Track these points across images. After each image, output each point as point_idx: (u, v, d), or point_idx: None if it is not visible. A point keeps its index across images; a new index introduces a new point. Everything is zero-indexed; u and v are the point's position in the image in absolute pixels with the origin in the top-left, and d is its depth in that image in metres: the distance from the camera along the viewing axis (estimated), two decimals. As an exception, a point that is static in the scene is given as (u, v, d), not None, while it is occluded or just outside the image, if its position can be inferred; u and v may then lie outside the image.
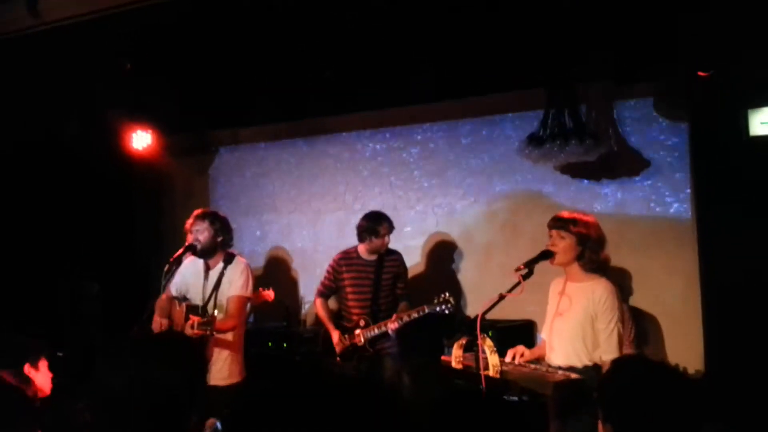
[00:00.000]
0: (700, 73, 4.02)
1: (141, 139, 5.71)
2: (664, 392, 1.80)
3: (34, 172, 5.75)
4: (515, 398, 3.01)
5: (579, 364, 3.25)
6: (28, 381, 2.77)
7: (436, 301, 4.46)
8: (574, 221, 3.32)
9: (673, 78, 4.44)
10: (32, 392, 2.73)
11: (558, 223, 3.35)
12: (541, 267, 3.35)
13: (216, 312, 3.95)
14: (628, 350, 3.82)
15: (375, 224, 4.71)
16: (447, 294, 4.46)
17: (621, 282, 4.62)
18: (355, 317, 4.77)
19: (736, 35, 3.82)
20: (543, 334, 3.56)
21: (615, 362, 2.25)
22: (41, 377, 2.87)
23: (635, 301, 4.63)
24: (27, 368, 2.81)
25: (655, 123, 4.83)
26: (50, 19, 4.11)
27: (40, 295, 5.78)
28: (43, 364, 2.89)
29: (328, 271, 4.96)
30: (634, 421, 1.77)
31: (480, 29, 4.18)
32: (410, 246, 5.58)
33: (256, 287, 4.50)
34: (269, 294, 5.08)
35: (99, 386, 1.47)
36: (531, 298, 3.44)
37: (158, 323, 4.17)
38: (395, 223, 4.64)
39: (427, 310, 4.48)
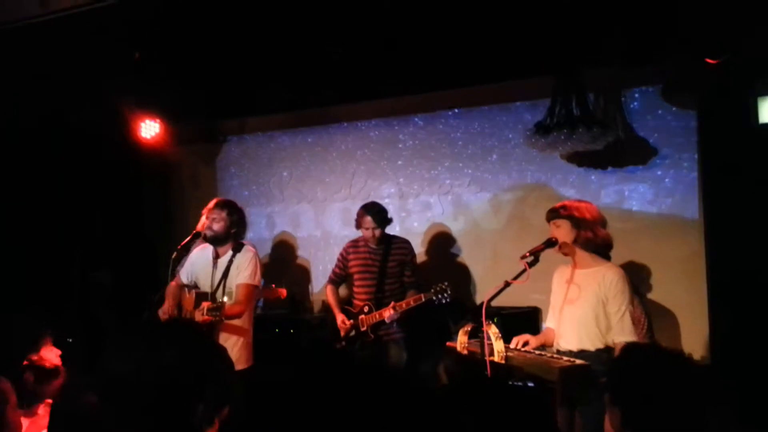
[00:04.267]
0: (709, 60, 3.98)
1: (149, 128, 5.73)
2: (671, 378, 1.81)
3: (44, 161, 5.79)
4: (520, 384, 3.02)
5: (591, 348, 3.28)
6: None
7: (433, 290, 4.44)
8: (563, 207, 3.42)
9: (682, 65, 4.41)
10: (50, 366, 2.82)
11: (552, 214, 3.46)
12: (546, 256, 3.37)
13: (225, 299, 3.99)
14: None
15: (359, 218, 4.75)
16: (445, 284, 4.43)
17: (627, 271, 4.62)
18: (359, 303, 4.80)
19: (746, 21, 3.78)
20: (549, 323, 3.58)
21: (625, 347, 2.28)
22: (48, 354, 2.97)
23: (640, 290, 4.61)
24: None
25: (664, 111, 4.79)
26: (58, 8, 4.12)
27: (50, 281, 5.84)
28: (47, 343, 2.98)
29: (338, 259, 5.00)
30: (642, 406, 1.79)
31: (487, 15, 4.16)
32: (416, 235, 5.59)
33: (264, 276, 4.54)
34: (282, 291, 5.17)
35: (106, 371, 1.49)
36: (536, 285, 3.45)
37: (166, 309, 4.22)
38: (401, 212, 4.58)
39: (423, 299, 4.48)
